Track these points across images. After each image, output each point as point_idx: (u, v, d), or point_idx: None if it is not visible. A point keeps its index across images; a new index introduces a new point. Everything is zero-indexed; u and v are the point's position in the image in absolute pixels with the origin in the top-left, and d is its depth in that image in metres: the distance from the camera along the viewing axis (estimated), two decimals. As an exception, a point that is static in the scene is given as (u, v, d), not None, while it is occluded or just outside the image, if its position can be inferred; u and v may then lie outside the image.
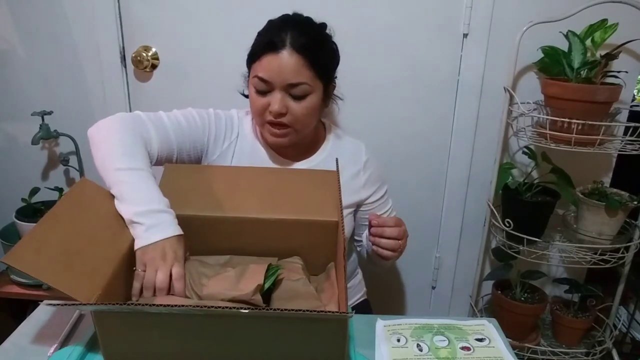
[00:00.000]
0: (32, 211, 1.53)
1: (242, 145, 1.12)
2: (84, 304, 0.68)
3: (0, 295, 1.53)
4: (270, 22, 1.05)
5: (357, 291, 1.30)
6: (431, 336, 0.87)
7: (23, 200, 1.55)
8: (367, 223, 1.10)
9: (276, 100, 0.99)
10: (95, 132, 0.95)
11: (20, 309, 1.54)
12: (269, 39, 0.98)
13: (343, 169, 1.06)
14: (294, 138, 1.05)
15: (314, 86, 1.01)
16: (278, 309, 0.75)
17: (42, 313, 0.92)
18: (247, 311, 0.64)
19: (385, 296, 1.73)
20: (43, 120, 1.50)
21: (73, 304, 0.66)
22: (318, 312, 0.67)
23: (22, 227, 1.50)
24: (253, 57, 1.02)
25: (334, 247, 0.89)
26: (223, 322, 0.68)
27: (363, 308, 1.29)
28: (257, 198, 0.92)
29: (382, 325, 0.90)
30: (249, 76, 1.06)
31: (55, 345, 0.81)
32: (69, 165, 1.61)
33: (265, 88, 0.99)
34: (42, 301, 0.95)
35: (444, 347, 0.84)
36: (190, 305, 0.65)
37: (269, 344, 0.70)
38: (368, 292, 1.35)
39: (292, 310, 0.73)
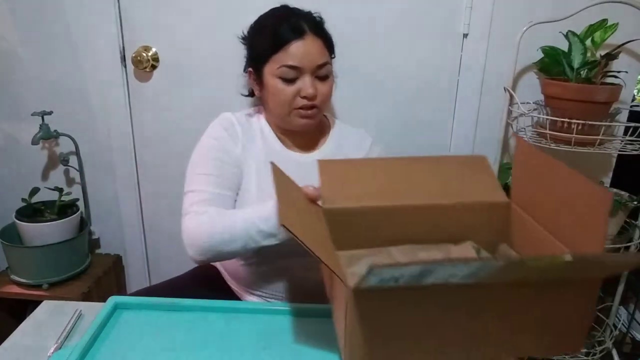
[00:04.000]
0: (32, 211, 1.53)
1: (254, 143, 1.10)
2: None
3: (0, 295, 1.52)
4: (272, 15, 1.08)
5: None
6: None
7: (23, 200, 1.55)
8: None
9: (308, 84, 1.03)
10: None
11: (20, 309, 1.54)
12: (290, 28, 1.02)
13: (349, 156, 1.10)
14: (318, 118, 1.10)
15: (331, 65, 1.08)
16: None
17: (42, 313, 0.91)
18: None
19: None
20: (43, 120, 1.50)
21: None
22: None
23: (22, 227, 1.50)
24: (275, 49, 1.03)
25: (502, 227, 0.89)
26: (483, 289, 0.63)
27: None
28: (418, 186, 0.90)
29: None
30: (260, 72, 1.06)
31: (55, 345, 0.81)
32: (69, 165, 1.61)
33: (294, 75, 1.03)
34: (42, 301, 0.95)
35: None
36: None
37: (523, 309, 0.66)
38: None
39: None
